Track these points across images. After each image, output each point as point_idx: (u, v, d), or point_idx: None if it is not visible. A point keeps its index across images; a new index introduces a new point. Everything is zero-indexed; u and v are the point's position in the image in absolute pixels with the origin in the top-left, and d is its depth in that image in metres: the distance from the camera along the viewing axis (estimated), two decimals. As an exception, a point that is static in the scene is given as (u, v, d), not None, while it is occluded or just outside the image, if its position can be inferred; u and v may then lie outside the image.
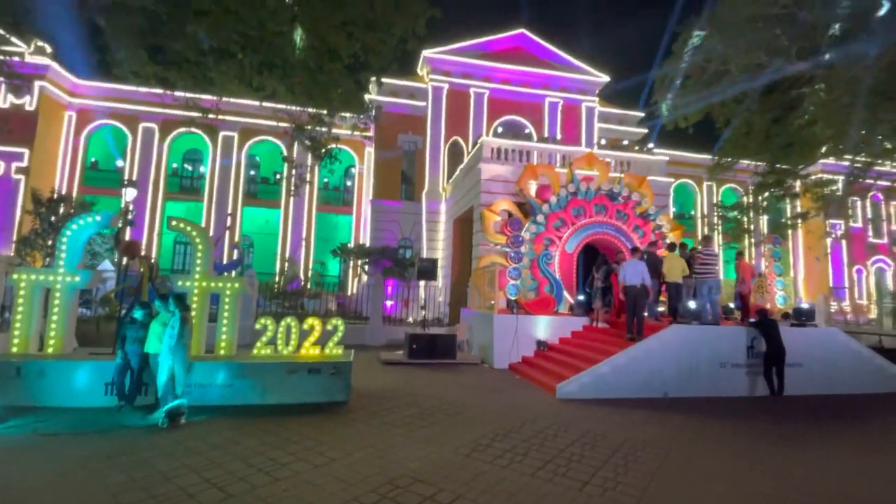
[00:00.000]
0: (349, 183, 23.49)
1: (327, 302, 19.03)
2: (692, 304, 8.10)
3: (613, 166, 14.92)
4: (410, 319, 16.97)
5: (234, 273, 10.69)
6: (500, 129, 21.46)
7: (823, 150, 18.22)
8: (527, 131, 21.64)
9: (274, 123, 13.41)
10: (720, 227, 24.64)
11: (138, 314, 5.90)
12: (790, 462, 4.62)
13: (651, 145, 19.08)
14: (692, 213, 27.60)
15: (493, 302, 10.27)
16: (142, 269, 7.02)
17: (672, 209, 26.97)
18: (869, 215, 28.70)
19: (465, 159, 17.20)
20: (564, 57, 22.09)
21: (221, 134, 21.22)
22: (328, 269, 23.28)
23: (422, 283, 19.10)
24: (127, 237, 19.15)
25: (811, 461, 4.69)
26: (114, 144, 20.99)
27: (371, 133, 21.23)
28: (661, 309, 9.64)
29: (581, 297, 10.55)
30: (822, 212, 23.00)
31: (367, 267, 18.18)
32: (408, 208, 20.27)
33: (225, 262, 15.97)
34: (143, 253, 7.68)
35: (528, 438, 5.06)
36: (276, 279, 19.30)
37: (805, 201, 24.20)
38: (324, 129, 12.35)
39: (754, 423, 6.07)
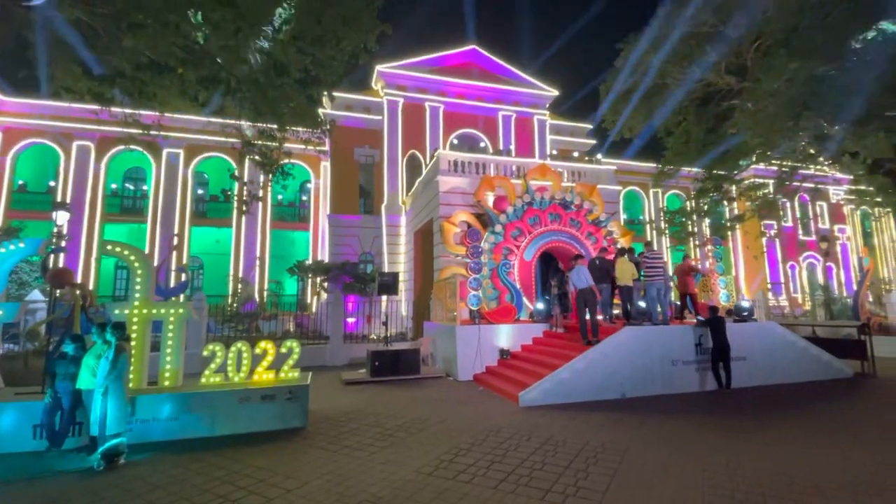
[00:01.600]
0: (305, 198, 22.95)
1: (285, 323, 18.35)
2: (641, 305, 8.44)
3: (565, 176, 15.43)
4: (374, 336, 16.66)
5: (181, 297, 10.11)
6: (456, 142, 21.76)
7: (754, 157, 19.71)
8: (482, 144, 22.07)
9: (222, 139, 12.94)
10: (667, 231, 26.02)
11: (69, 348, 5.43)
12: (739, 454, 4.85)
13: (599, 156, 19.98)
14: (641, 218, 28.94)
15: (455, 313, 10.26)
16: (73, 299, 6.48)
17: (623, 216, 28.23)
18: (798, 215, 31.18)
19: (423, 172, 17.27)
20: (515, 72, 22.81)
21: (165, 151, 20.23)
22: (285, 288, 22.52)
23: (384, 297, 18.94)
24: (60, 263, 17.74)
25: (757, 451, 4.94)
26: (45, 165, 19.50)
27: (326, 147, 20.94)
28: (616, 312, 9.97)
29: (540, 305, 10.75)
30: (756, 213, 24.85)
31: (326, 284, 17.73)
32: (367, 222, 20.04)
33: (173, 285, 15.07)
34: (75, 280, 7.09)
35: (491, 451, 5.03)
36: (229, 301, 18.44)
37: (741, 204, 26.00)
38: (274, 145, 12.04)
39: (704, 418, 6.35)
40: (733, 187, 22.29)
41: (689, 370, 8.05)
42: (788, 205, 30.73)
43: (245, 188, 13.75)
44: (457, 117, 21.75)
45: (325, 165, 21.49)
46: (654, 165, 22.37)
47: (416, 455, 4.94)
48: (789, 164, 19.80)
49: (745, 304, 8.91)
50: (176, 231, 19.92)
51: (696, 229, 25.56)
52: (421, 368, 9.92)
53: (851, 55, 12.58)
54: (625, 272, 8.65)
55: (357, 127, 20.60)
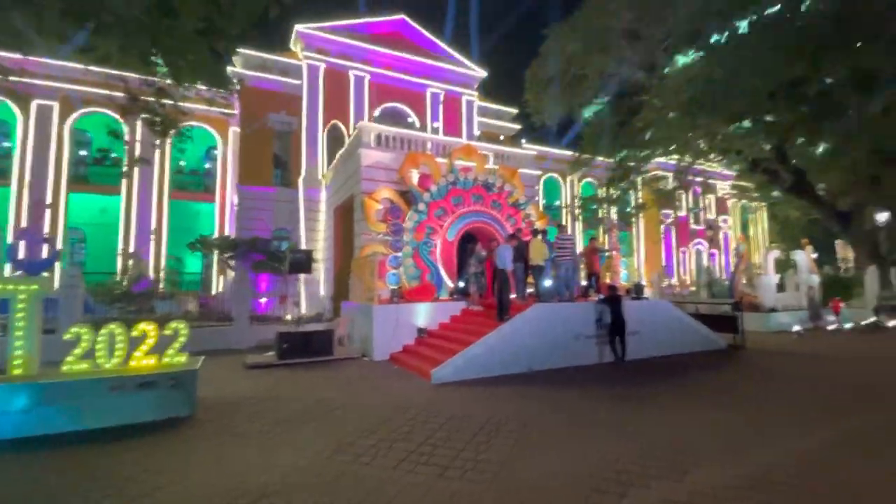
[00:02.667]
0: (210, 166, 20.85)
1: (186, 303, 16.73)
2: (549, 283, 8.83)
3: (490, 159, 15.59)
4: (289, 317, 15.80)
5: (49, 273, 8.65)
6: (382, 116, 20.98)
7: (659, 150, 21.46)
8: (410, 120, 21.54)
9: (108, 92, 11.10)
10: (580, 216, 27.73)
11: None
12: (627, 422, 5.23)
13: (522, 140, 20.51)
14: (558, 203, 30.49)
15: (377, 292, 9.96)
16: None
17: (542, 201, 29.52)
18: (690, 206, 34.88)
19: (346, 145, 16.43)
20: (445, 49, 22.41)
21: (36, 103, 17.10)
22: (187, 265, 20.49)
23: (302, 277, 17.98)
24: None
25: (642, 419, 5.37)
26: None
27: (236, 111, 19.08)
28: (530, 290, 10.35)
29: (460, 283, 10.83)
30: (657, 203, 27.34)
31: (234, 262, 16.38)
32: (283, 195, 18.72)
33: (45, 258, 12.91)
34: None
35: (396, 429, 4.92)
36: (119, 279, 16.33)
37: (645, 194, 28.46)
38: (169, 102, 10.60)
39: (600, 388, 6.82)
40: (639, 178, 24.25)
41: (589, 344, 8.61)
42: (684, 196, 34.33)
43: (132, 150, 12.02)
44: (383, 90, 20.93)
45: (235, 130, 19.59)
46: (572, 154, 23.50)
47: (316, 439, 4.68)
48: (687, 159, 21.84)
49: (641, 283, 9.73)
50: (49, 197, 17.08)
51: (606, 215, 27.47)
52: (335, 350, 9.55)
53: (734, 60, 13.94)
54: (538, 253, 8.96)
55: (273, 90, 18.96)
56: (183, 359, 5.75)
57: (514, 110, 26.31)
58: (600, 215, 28.94)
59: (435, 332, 9.50)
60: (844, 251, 25.43)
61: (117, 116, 17.10)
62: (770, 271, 15.26)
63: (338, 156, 16.85)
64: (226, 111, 19.33)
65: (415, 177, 13.44)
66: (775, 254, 16.64)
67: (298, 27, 18.97)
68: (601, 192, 25.86)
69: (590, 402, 6.08)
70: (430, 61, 21.87)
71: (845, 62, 10.91)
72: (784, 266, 18.60)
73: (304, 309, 17.91)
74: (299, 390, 6.87)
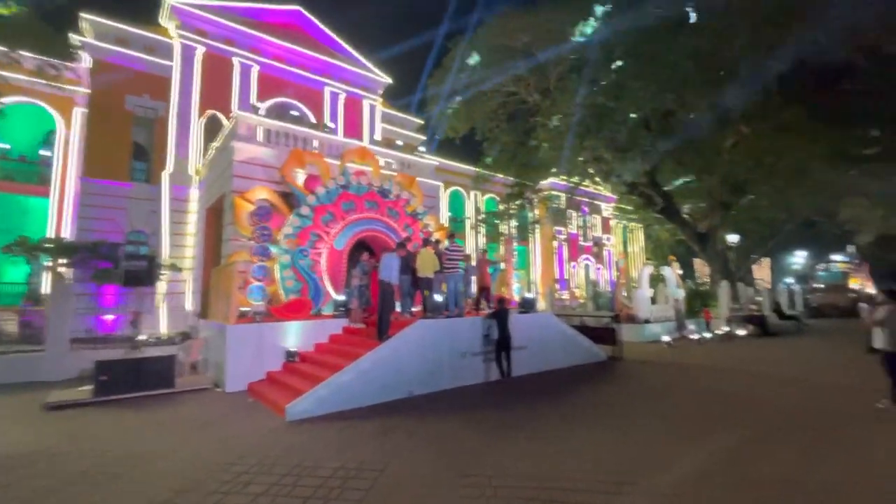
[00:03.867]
0: (49, 153, 17.03)
1: (1, 322, 13.13)
2: (438, 298, 8.21)
3: (387, 165, 14.80)
4: (145, 337, 13.12)
5: None
6: (273, 111, 19.07)
7: (553, 170, 22.59)
8: (304, 119, 19.91)
9: None
10: (483, 230, 28.22)
11: None
12: (503, 455, 4.65)
13: (422, 149, 20.14)
14: (462, 217, 30.78)
15: (233, 309, 8.40)
16: None
17: (447, 214, 29.52)
18: (580, 224, 37.70)
19: (220, 136, 14.39)
20: (348, 49, 21.29)
21: None
22: (7, 273, 16.35)
23: (162, 290, 15.25)
24: None
25: (520, 452, 4.83)
26: None
27: (86, 88, 15.84)
28: (416, 308, 9.62)
29: (342, 297, 9.73)
30: (550, 220, 28.93)
31: (73, 270, 13.29)
32: (142, 192, 15.85)
33: None
34: None
35: (211, 494, 3.73)
36: None
37: (541, 211, 30.00)
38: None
39: (481, 413, 6.25)
40: (535, 196, 25.39)
41: (476, 361, 8.11)
42: (574, 215, 37.07)
43: None
44: (275, 83, 19.09)
45: (81, 112, 16.23)
46: (476, 170, 23.78)
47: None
48: (576, 180, 23.30)
49: (529, 297, 9.59)
50: None
51: (506, 229, 28.28)
52: (177, 380, 7.79)
53: (621, 92, 15.12)
54: (426, 264, 8.29)
55: (134, 68, 16.13)
56: None
57: (420, 120, 26.03)
58: (501, 230, 29.85)
59: (308, 356, 8.26)
60: (702, 268, 29.23)
61: None
62: (644, 285, 16.56)
63: (211, 148, 14.72)
64: (69, 87, 15.95)
65: (300, 177, 12.09)
66: (649, 269, 18.21)
67: (173, 1, 16.48)
68: (502, 207, 26.57)
69: (467, 431, 5.44)
70: (330, 59, 20.56)
71: (705, 98, 12.24)
72: (656, 281, 20.54)
73: (164, 328, 15.18)
74: (107, 440, 5.22)
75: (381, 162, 14.70)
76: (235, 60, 18.04)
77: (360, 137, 20.77)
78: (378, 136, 21.91)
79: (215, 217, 14.02)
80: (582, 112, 16.35)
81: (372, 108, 22.18)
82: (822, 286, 27.55)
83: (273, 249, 10.53)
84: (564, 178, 24.36)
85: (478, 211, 29.78)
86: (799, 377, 8.47)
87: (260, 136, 12.39)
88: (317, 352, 8.46)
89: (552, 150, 17.93)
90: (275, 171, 12.10)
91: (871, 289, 33.02)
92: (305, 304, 9.39)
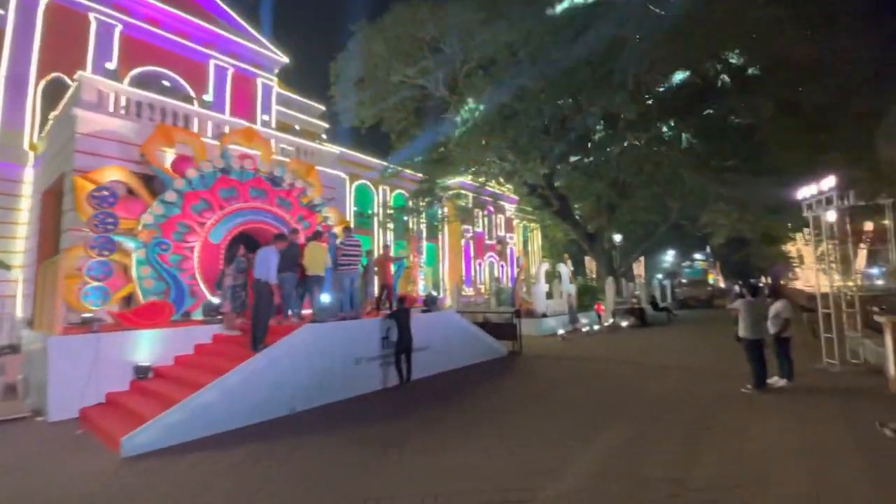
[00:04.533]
0: None
1: None
2: (326, 299, 7.33)
3: (283, 151, 13.36)
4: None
5: None
6: (142, 80, 16.21)
7: (461, 169, 22.61)
8: (185, 95, 17.29)
9: None
10: (392, 226, 27.45)
11: None
12: (386, 482, 4.06)
13: (324, 136, 18.78)
14: (370, 212, 29.67)
15: (61, 316, 6.64)
16: None
17: (353, 208, 28.19)
18: (485, 223, 38.77)
19: (61, 104, 11.70)
20: (238, 20, 18.99)
21: None
22: None
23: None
24: None
25: (406, 476, 4.29)
26: None
27: None
28: (307, 311, 8.61)
29: (214, 300, 8.33)
30: (458, 218, 29.19)
31: None
32: (-55, 168, 12.34)
33: None
34: None
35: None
36: None
37: (449, 209, 30.15)
38: None
39: (369, 430, 5.59)
40: (444, 194, 25.33)
41: (373, 367, 7.43)
42: (480, 214, 38.04)
43: None
44: (145, 49, 16.27)
45: None
46: (384, 164, 22.91)
47: None
48: (482, 180, 23.65)
49: (433, 294, 9.17)
50: None
51: (415, 226, 27.86)
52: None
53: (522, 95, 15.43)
54: (316, 260, 7.36)
55: (-66, 8, 12.46)
56: None
57: (324, 107, 24.33)
58: (410, 226, 29.36)
59: (165, 371, 6.83)
60: (591, 265, 31.80)
61: None
62: (541, 281, 17.25)
63: (51, 119, 11.94)
64: None
65: (166, 158, 10.25)
66: (545, 266, 19.08)
67: (-4, -72, 13.06)
68: (411, 204, 26.04)
69: (354, 450, 4.77)
70: (217, 29, 18.14)
71: (596, 105, 12.97)
72: (552, 277, 21.69)
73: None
74: None
75: (275, 146, 13.23)
76: (92, 17, 14.97)
77: (252, 119, 18.68)
78: (273, 120, 19.94)
79: (54, 202, 11.38)
80: (487, 112, 16.44)
81: (266, 87, 20.12)
82: (686, 281, 31.73)
83: (127, 242, 8.71)
84: (472, 177, 24.64)
85: (386, 206, 28.93)
86: (676, 364, 9.22)
87: (114, 104, 10.24)
88: (177, 366, 7.06)
89: (459, 148, 17.80)
90: (134, 148, 10.11)
91: (721, 283, 39.11)
92: (164, 307, 7.83)
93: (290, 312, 8.05)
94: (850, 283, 7.80)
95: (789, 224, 23.84)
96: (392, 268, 10.07)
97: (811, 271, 32.54)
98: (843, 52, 12.87)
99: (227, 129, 12.11)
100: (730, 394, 6.59)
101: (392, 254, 9.97)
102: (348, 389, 6.93)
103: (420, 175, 21.84)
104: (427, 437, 5.14)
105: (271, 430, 5.47)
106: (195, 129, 11.63)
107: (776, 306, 6.82)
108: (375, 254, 11.13)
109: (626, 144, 14.71)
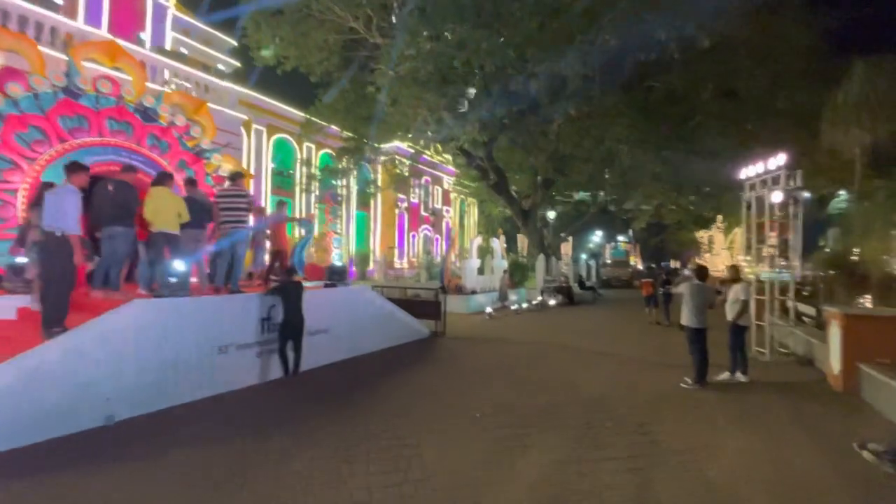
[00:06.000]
0: None
1: None
2: (179, 267, 5.37)
3: (164, 81, 10.61)
4: None
5: None
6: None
7: (398, 133, 20.55)
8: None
9: None
10: (315, 189, 24.84)
11: None
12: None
13: (222, 67, 15.77)
14: (291, 171, 26.68)
15: None
16: None
17: (270, 165, 25.12)
18: (422, 195, 37.04)
19: None
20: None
21: None
22: None
23: None
24: None
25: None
26: None
27: None
28: (174, 279, 6.57)
29: (18, 260, 5.99)
30: (393, 186, 27.25)
31: None
32: None
33: None
34: None
35: None
36: None
37: (383, 176, 28.05)
38: None
39: (225, 444, 4.02)
40: (377, 157, 23.19)
41: (247, 357, 5.72)
42: (418, 184, 36.18)
43: None
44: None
45: None
46: (306, 116, 20.18)
47: None
48: (420, 144, 21.84)
49: (338, 265, 7.52)
50: None
51: (343, 192, 25.53)
52: None
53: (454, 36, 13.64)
54: (164, 211, 5.32)
55: None
56: None
57: (235, 42, 20.73)
58: (339, 190, 26.88)
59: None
60: (523, 242, 31.65)
61: None
62: (473, 256, 16.21)
63: None
64: None
65: (-23, 65, 7.41)
66: (478, 241, 18.05)
67: None
68: (340, 165, 23.58)
69: (190, 484, 3.17)
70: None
71: (544, 61, 11.71)
72: (484, 252, 20.84)
73: None
74: None
75: (159, 77, 10.49)
76: None
77: (136, 42, 15.14)
78: (167, 46, 16.42)
79: None
80: (424, 61, 14.55)
81: (159, 6, 16.45)
82: (611, 262, 32.80)
83: None
84: (409, 142, 22.70)
85: (310, 166, 26.07)
86: (607, 350, 8.54)
87: None
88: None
89: (390, 104, 15.79)
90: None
91: (640, 265, 41.28)
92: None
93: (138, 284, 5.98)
94: (788, 270, 7.41)
95: (713, 209, 24.87)
96: (296, 234, 8.24)
97: (720, 257, 35.17)
98: (785, 39, 12.80)
99: (72, 38, 9.24)
100: (670, 390, 5.82)
101: (287, 213, 8.08)
102: (206, 387, 5.18)
103: (346, 133, 19.52)
104: (294, 462, 3.66)
105: (72, 452, 3.67)
106: (34, 36, 8.69)
107: (735, 289, 6.09)
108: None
109: (570, 112, 13.75)
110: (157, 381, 4.69)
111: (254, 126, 23.90)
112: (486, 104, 15.53)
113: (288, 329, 5.82)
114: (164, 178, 5.76)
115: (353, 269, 30.38)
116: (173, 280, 5.06)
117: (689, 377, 5.91)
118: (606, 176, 17.39)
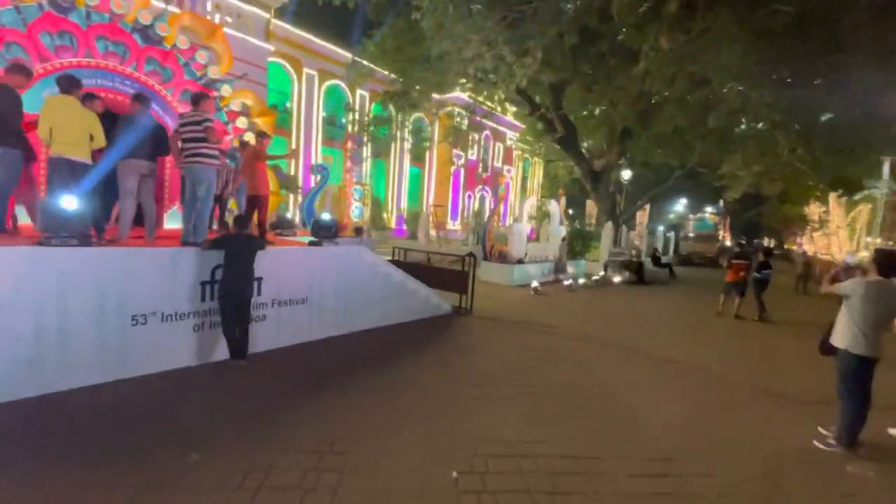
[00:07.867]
0: None
1: None
2: (70, 205, 3.79)
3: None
4: None
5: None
6: None
7: (459, 81, 18.12)
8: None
9: None
10: (367, 139, 23.42)
11: None
12: None
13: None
14: (344, 120, 25.45)
15: None
16: None
17: (322, 113, 24.03)
18: (481, 153, 34.47)
19: None
20: None
21: None
22: None
23: None
24: None
25: None
26: None
27: None
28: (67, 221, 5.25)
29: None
30: (449, 140, 25.12)
31: None
32: None
33: None
34: None
35: None
36: None
37: (440, 129, 25.88)
38: None
39: (105, 467, 2.63)
40: (432, 108, 21.12)
41: (178, 331, 4.34)
42: (477, 139, 33.53)
43: None
44: None
45: None
46: (352, 57, 18.37)
47: None
48: (471, 88, 19.34)
49: (326, 218, 5.90)
50: None
51: (353, 125, 23.86)
52: None
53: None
54: (65, 129, 3.84)
55: None
56: None
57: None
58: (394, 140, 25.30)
59: None
60: (592, 209, 28.36)
61: None
62: (524, 219, 13.95)
63: None
64: None
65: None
66: (531, 201, 15.62)
67: None
68: (387, 113, 21.82)
69: None
70: None
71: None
72: (542, 216, 18.36)
73: None
74: None
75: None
76: None
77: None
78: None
79: None
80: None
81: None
82: (694, 235, 28.50)
83: None
84: (469, 91, 20.20)
85: (365, 115, 24.60)
86: (685, 357, 6.25)
87: None
88: None
89: (436, 31, 13.39)
90: None
91: (729, 241, 35.91)
92: None
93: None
94: None
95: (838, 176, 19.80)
96: (265, 168, 6.70)
97: (835, 239, 29.28)
98: None
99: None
100: (794, 452, 3.58)
101: (269, 149, 6.46)
102: (117, 368, 3.89)
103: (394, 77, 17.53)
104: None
105: None
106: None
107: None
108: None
109: (662, 42, 10.61)
110: (40, 357, 3.43)
111: (305, 70, 22.68)
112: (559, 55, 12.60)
113: (228, 298, 4.33)
114: (70, 85, 4.33)
115: (404, 227, 29.26)
116: (62, 222, 3.66)
117: (832, 430, 3.62)
118: (703, 124, 13.73)
